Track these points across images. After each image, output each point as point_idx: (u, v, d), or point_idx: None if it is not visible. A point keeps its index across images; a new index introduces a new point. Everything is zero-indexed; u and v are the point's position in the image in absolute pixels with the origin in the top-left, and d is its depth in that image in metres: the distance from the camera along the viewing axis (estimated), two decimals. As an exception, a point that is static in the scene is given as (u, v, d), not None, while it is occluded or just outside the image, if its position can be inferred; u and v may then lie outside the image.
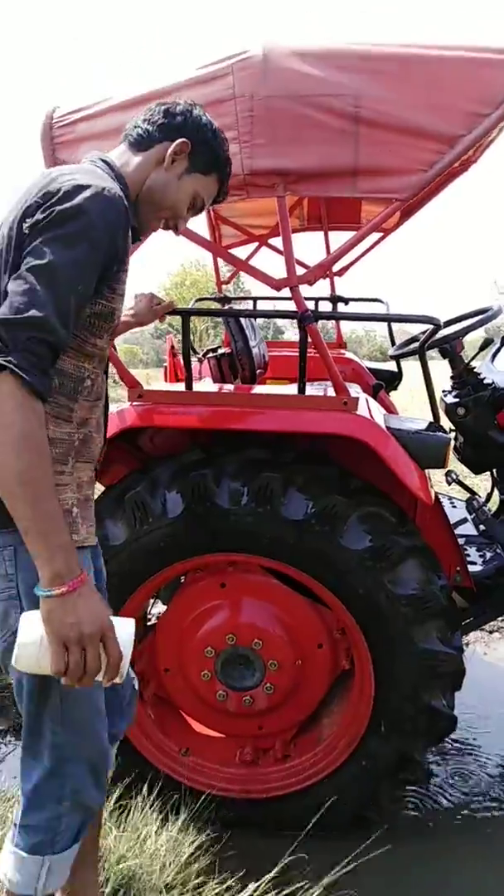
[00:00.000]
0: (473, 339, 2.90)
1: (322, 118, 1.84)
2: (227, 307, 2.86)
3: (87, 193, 1.14)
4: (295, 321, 1.97)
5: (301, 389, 2.06)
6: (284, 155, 1.87)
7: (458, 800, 2.42)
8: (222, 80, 1.88)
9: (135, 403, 2.06)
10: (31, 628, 1.10)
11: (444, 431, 2.17)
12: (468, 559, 2.54)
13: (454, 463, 3.24)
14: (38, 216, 1.13)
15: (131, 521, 2.06)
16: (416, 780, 2.16)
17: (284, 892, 1.83)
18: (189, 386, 2.11)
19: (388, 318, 2.02)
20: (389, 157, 1.84)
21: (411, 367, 3.67)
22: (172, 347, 2.91)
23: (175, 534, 2.07)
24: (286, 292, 1.97)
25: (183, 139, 1.36)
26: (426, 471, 2.10)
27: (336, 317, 2.06)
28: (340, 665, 2.21)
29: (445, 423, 2.47)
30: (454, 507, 3.16)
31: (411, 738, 2.08)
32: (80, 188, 1.15)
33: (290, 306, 2.02)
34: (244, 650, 2.15)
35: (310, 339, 1.96)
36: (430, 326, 2.09)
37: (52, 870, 1.33)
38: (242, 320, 2.78)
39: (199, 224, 4.00)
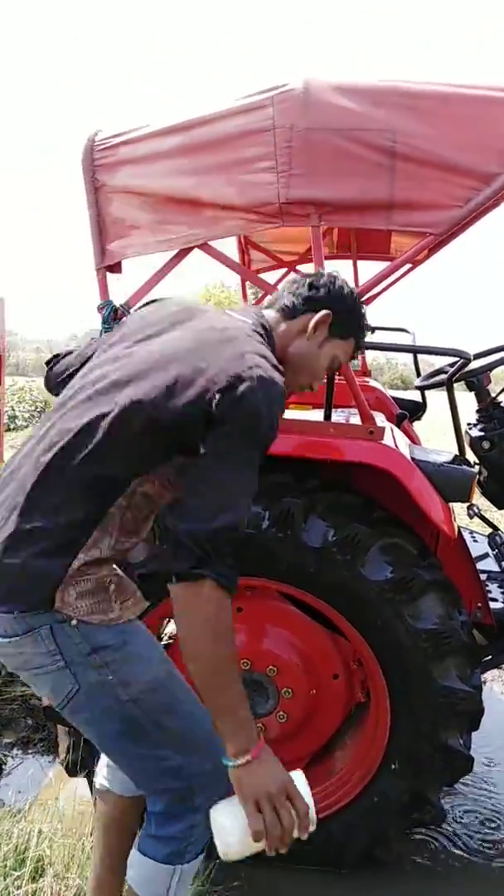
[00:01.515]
0: (501, 374, 2.89)
1: (359, 151, 1.87)
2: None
3: (269, 394, 1.19)
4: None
5: (327, 416, 2.06)
6: (320, 186, 1.90)
7: (469, 843, 2.36)
8: (262, 111, 1.92)
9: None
10: (227, 820, 1.19)
11: (470, 465, 2.15)
12: (489, 595, 2.50)
13: (477, 497, 3.21)
14: (222, 415, 1.17)
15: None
16: (430, 821, 2.10)
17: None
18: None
19: (418, 350, 2.02)
20: (425, 192, 1.86)
21: (434, 397, 3.66)
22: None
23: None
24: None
25: (325, 311, 1.46)
26: (450, 504, 2.09)
27: (365, 346, 2.06)
28: (356, 697, 2.18)
29: (470, 456, 2.46)
30: (475, 541, 3.12)
31: (426, 777, 2.04)
32: (262, 385, 1.18)
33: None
34: (258, 676, 2.12)
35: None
36: (458, 359, 2.10)
37: (182, 879, 1.37)
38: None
39: (228, 246, 4.06)
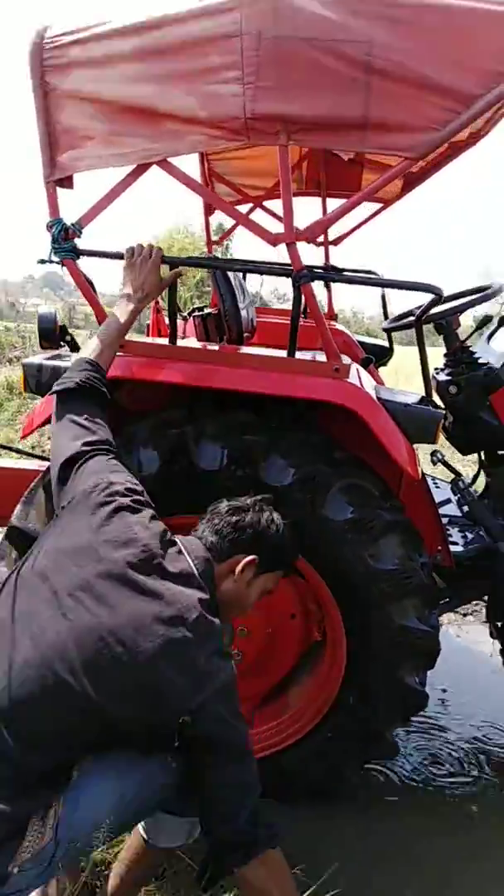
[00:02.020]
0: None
1: (333, 64, 1.72)
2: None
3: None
4: (282, 295, 1.88)
5: (291, 353, 1.97)
6: (290, 100, 1.76)
7: (421, 776, 2.42)
8: (229, 15, 1.75)
9: (117, 354, 1.96)
10: None
11: (437, 407, 2.10)
12: (450, 539, 2.50)
13: (440, 444, 3.20)
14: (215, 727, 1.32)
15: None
16: (383, 755, 2.14)
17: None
18: (173, 341, 2.02)
19: (388, 284, 1.93)
20: (402, 112, 1.74)
21: (400, 346, 3.60)
22: (157, 303, 2.80)
23: (149, 491, 1.96)
24: (279, 254, 1.88)
25: (251, 557, 1.52)
26: (414, 446, 2.04)
27: (332, 278, 1.98)
28: (312, 636, 2.17)
29: (436, 400, 2.41)
30: (438, 487, 3.11)
31: (380, 714, 2.05)
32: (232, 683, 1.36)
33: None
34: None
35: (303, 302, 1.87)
36: (428, 299, 2.02)
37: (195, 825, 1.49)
38: (232, 280, 2.68)
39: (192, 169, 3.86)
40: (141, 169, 1.85)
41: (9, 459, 3.62)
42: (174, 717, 1.27)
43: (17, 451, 3.53)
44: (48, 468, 2.12)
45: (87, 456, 1.57)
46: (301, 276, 1.80)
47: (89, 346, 1.80)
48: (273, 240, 1.81)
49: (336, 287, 3.97)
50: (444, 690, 2.90)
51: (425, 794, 2.33)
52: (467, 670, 3.12)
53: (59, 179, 1.87)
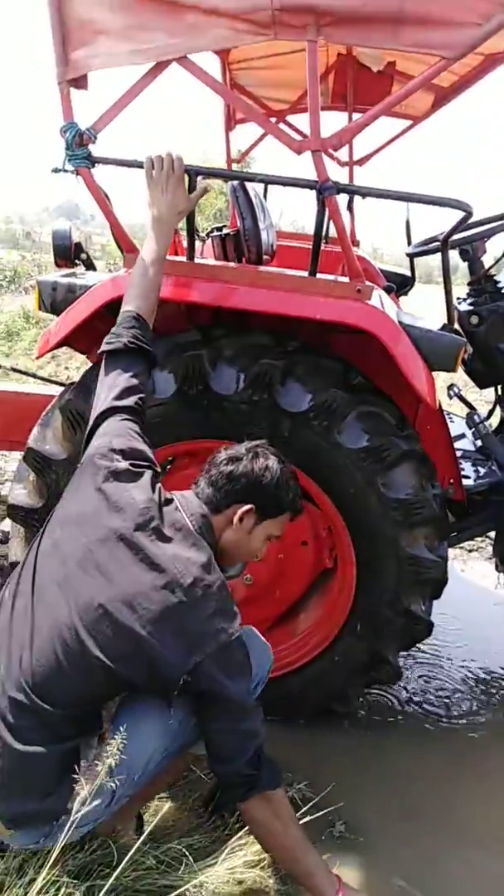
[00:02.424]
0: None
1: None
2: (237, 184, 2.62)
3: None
4: (300, 227, 1.78)
5: (312, 272, 1.90)
6: (321, -9, 1.62)
7: (423, 701, 2.49)
8: None
9: (131, 270, 1.90)
10: None
11: (459, 334, 2.04)
12: (462, 474, 2.48)
13: (456, 378, 3.14)
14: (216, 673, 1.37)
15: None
16: (387, 679, 2.19)
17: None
18: (191, 258, 1.95)
19: (415, 199, 1.83)
20: (440, 5, 1.60)
21: (418, 283, 3.48)
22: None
23: (164, 415, 1.97)
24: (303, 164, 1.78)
25: (248, 507, 1.51)
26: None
27: (357, 191, 1.88)
28: (323, 563, 2.18)
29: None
30: (452, 422, 3.07)
31: (386, 639, 2.09)
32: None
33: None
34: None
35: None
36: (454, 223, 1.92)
37: None
38: (253, 199, 2.56)
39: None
40: (159, 67, 1.73)
41: (26, 385, 3.61)
42: (174, 678, 1.35)
43: (34, 377, 3.51)
44: (64, 390, 2.10)
45: (108, 416, 1.60)
46: (326, 188, 1.71)
47: (132, 291, 1.74)
48: (298, 147, 1.72)
49: (357, 220, 3.80)
50: (447, 621, 2.94)
51: (426, 718, 2.40)
52: (471, 603, 3.17)
53: (72, 80, 1.75)
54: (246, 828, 1.56)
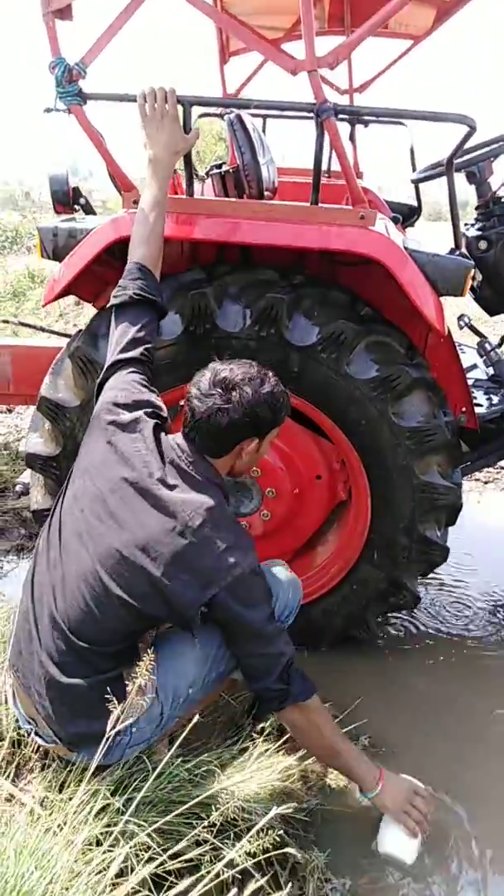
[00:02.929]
0: None
1: None
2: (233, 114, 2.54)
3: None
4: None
5: (314, 201, 1.87)
6: None
7: (442, 625, 2.55)
8: None
9: (131, 211, 1.88)
10: (395, 845, 1.59)
11: (467, 257, 2.01)
12: (475, 402, 2.47)
13: (467, 307, 3.09)
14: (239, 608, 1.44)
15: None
16: (405, 605, 2.24)
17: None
18: (190, 194, 1.92)
19: (417, 116, 1.78)
20: None
21: (428, 221, 3.38)
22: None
23: (173, 356, 1.98)
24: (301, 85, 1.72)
25: (253, 440, 1.54)
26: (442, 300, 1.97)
27: (357, 111, 1.83)
28: (338, 496, 2.21)
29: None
30: (464, 353, 3.04)
31: (403, 566, 2.13)
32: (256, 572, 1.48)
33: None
34: (242, 477, 2.13)
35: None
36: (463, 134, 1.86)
37: None
38: (251, 133, 2.50)
39: (207, 29, 3.52)
40: (145, -7, 1.68)
41: (36, 339, 3.63)
42: (192, 611, 1.43)
43: (43, 330, 3.52)
44: (72, 338, 2.11)
45: (115, 370, 1.64)
46: (323, 110, 1.67)
47: (135, 240, 1.74)
48: (294, 67, 1.67)
49: (361, 157, 3.68)
50: (464, 550, 2.98)
51: (445, 641, 2.46)
52: (487, 533, 3.20)
53: (57, 10, 1.70)
54: (276, 744, 1.65)
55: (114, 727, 1.25)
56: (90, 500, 1.50)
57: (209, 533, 1.43)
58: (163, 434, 1.56)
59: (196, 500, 1.45)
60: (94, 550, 1.45)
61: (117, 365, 1.64)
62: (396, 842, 1.59)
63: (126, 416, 1.54)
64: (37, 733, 1.55)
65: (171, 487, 1.47)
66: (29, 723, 1.56)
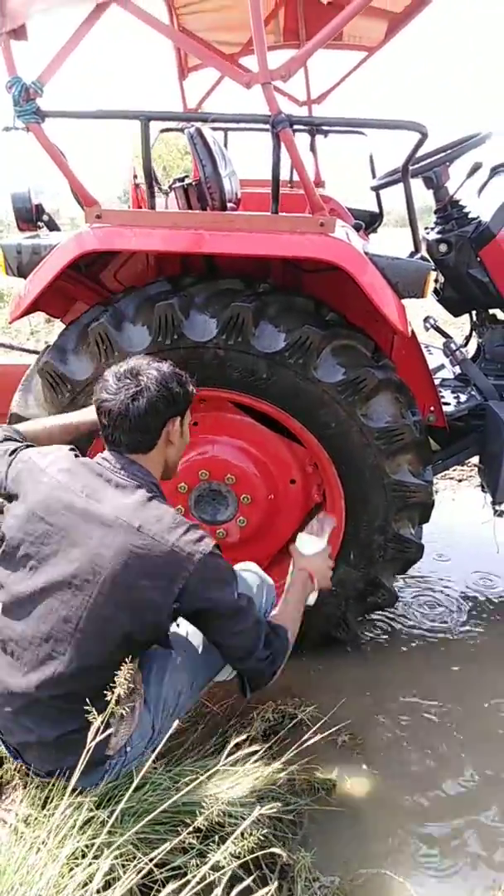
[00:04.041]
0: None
1: None
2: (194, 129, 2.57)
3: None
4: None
5: (274, 210, 1.90)
6: None
7: (420, 622, 2.58)
8: None
9: (94, 225, 1.90)
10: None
11: (427, 260, 2.06)
12: (442, 401, 2.52)
13: (431, 310, 3.15)
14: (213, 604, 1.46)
15: (96, 355, 1.97)
16: (384, 604, 2.26)
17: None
18: (152, 206, 1.95)
19: (370, 124, 1.83)
20: None
21: (393, 227, 3.45)
22: (135, 177, 2.67)
23: (143, 368, 1.99)
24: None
25: (175, 419, 1.54)
26: (404, 303, 2.02)
27: (311, 122, 1.88)
28: (313, 499, 2.24)
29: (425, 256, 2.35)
30: (431, 354, 3.10)
31: (380, 565, 2.16)
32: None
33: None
34: (217, 485, 2.15)
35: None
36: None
37: None
38: (212, 145, 2.54)
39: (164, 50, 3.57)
40: (99, 10, 1.70)
41: (5, 357, 3.61)
42: (165, 610, 1.41)
43: (13, 348, 3.51)
44: (41, 354, 2.12)
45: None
46: (279, 121, 1.71)
47: (39, 426, 1.82)
48: (248, 81, 1.71)
49: (322, 168, 3.75)
50: (440, 550, 3.02)
51: (422, 641, 2.49)
52: (462, 529, 3.24)
53: (11, 31, 1.72)
54: (261, 748, 1.65)
55: (93, 739, 1.25)
56: (35, 549, 1.46)
57: (154, 530, 1.41)
58: (78, 457, 1.57)
59: (131, 502, 1.43)
60: (54, 597, 1.41)
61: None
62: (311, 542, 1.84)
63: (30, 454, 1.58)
64: (27, 765, 1.51)
65: (103, 499, 1.45)
66: (16, 758, 1.53)
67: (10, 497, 1.56)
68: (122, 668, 1.32)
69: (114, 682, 1.31)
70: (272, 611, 1.81)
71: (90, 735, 1.27)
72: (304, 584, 1.78)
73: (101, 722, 1.26)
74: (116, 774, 1.49)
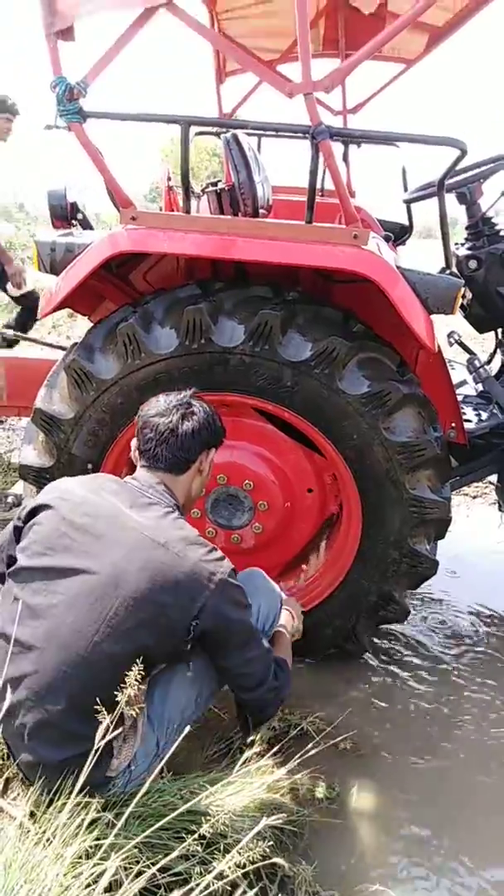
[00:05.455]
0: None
1: None
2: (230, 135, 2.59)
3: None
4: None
5: (308, 220, 1.90)
6: None
7: (429, 637, 2.57)
8: None
9: (128, 227, 1.91)
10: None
11: (457, 276, 2.05)
12: (464, 418, 2.51)
13: (456, 325, 3.14)
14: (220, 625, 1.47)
15: (123, 355, 1.98)
16: (395, 618, 2.25)
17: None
18: (187, 211, 1.95)
19: (409, 139, 1.83)
20: None
21: (419, 239, 3.44)
22: (169, 179, 2.68)
23: (167, 371, 2.00)
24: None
25: (212, 449, 1.67)
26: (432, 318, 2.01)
27: (351, 134, 1.88)
28: (329, 509, 2.24)
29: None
30: (454, 369, 3.08)
31: (393, 579, 2.15)
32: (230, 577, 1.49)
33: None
34: (234, 490, 2.16)
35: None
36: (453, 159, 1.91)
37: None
38: (247, 151, 2.54)
39: (205, 52, 3.58)
40: (146, 15, 1.72)
41: (29, 351, 3.65)
42: (184, 626, 1.43)
43: (37, 342, 3.55)
44: (67, 351, 2.13)
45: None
46: (319, 132, 1.71)
47: None
48: (290, 90, 1.71)
49: (354, 177, 3.75)
50: (453, 566, 3.01)
51: (431, 657, 2.48)
52: (476, 547, 3.23)
53: (60, 31, 1.74)
54: (265, 757, 1.65)
55: (101, 739, 1.25)
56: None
57: (177, 548, 1.44)
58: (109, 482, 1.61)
59: (156, 519, 1.48)
60: (68, 603, 1.41)
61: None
62: None
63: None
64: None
65: (128, 515, 1.48)
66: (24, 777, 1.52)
67: (32, 515, 1.58)
68: (127, 685, 1.30)
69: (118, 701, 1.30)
70: (279, 621, 1.81)
71: (90, 758, 1.27)
72: (288, 623, 1.86)
73: (102, 745, 1.26)
74: (122, 791, 1.49)
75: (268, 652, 1.56)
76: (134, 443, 1.66)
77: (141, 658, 1.36)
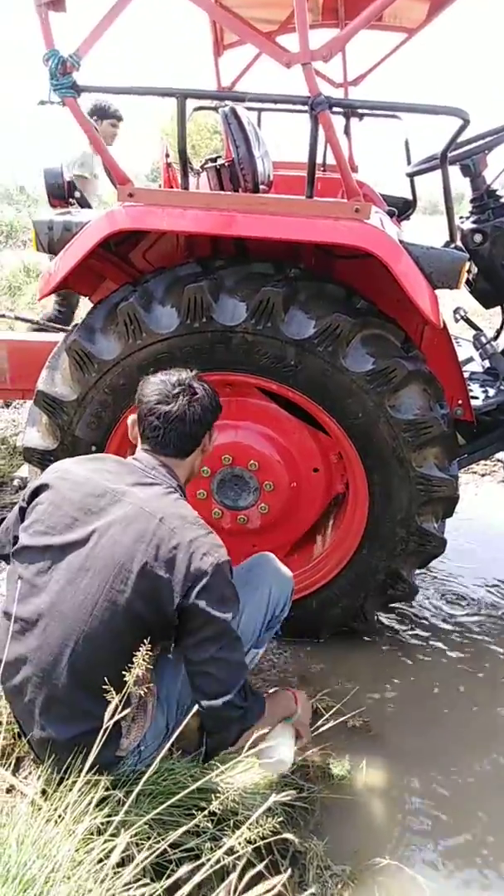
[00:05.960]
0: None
1: None
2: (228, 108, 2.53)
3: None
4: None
5: (309, 195, 1.87)
6: None
7: (439, 616, 2.56)
8: None
9: (126, 204, 1.88)
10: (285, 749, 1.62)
11: (462, 250, 2.01)
12: (470, 395, 2.48)
13: (462, 300, 3.10)
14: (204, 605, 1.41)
15: (124, 335, 1.96)
16: (403, 597, 2.25)
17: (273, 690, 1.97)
18: (185, 187, 1.92)
19: (410, 109, 1.78)
20: None
21: (423, 215, 3.38)
22: (167, 156, 2.64)
23: (169, 350, 1.98)
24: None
25: (209, 431, 1.65)
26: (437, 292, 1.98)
27: (351, 104, 1.83)
28: (335, 489, 2.22)
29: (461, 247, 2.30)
30: (460, 346, 3.05)
31: (401, 558, 2.14)
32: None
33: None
34: (240, 471, 2.14)
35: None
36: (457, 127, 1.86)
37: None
38: (246, 126, 2.50)
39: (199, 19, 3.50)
40: (139, -16, 1.67)
41: (31, 334, 3.63)
42: (171, 607, 1.40)
43: (38, 324, 3.53)
44: (68, 332, 2.12)
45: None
46: (318, 102, 1.67)
47: None
48: (288, 60, 1.67)
49: (356, 151, 3.68)
50: (461, 545, 3.00)
51: (439, 634, 2.48)
52: (484, 524, 3.22)
53: (49, 2, 1.70)
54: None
55: (110, 719, 1.26)
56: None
57: (176, 524, 1.43)
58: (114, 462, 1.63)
59: (156, 496, 1.49)
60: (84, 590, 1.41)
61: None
62: (286, 748, 1.62)
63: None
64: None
65: (128, 492, 1.49)
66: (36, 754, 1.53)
67: (35, 495, 1.59)
68: (134, 663, 1.30)
69: (126, 679, 1.30)
70: (288, 606, 1.80)
71: (98, 738, 1.27)
72: (287, 707, 1.71)
73: (111, 724, 1.27)
74: (131, 772, 1.49)
75: (241, 665, 1.48)
76: (131, 420, 1.64)
77: (141, 635, 1.36)
